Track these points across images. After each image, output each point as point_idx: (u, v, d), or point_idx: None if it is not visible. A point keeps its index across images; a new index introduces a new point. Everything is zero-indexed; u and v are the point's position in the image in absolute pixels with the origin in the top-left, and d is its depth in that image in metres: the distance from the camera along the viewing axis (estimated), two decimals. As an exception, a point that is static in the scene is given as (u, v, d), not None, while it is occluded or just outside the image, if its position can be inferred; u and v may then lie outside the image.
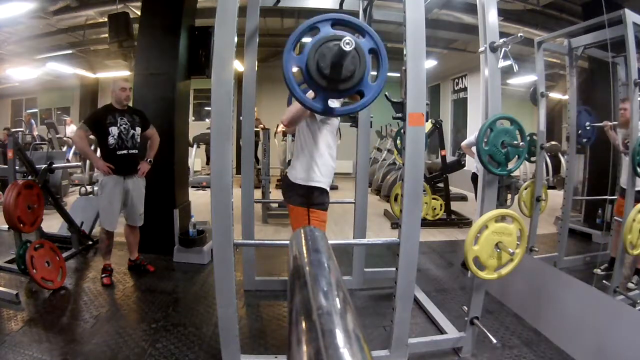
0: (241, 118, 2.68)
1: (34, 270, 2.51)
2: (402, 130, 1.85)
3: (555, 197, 3.84)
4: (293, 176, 1.98)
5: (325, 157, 1.96)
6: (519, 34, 1.71)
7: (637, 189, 2.39)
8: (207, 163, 7.40)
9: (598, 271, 2.53)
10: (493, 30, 1.83)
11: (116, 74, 7.75)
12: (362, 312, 2.51)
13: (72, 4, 5.51)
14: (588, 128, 3.01)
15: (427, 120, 2.33)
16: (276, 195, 5.72)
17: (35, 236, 2.90)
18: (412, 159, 1.70)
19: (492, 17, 1.83)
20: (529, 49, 3.19)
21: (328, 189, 2.00)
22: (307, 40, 1.39)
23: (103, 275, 2.86)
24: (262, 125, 5.77)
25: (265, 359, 1.96)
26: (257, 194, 4.34)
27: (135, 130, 2.82)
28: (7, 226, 2.66)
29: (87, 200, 3.97)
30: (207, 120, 9.44)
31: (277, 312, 2.51)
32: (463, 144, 3.67)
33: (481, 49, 1.86)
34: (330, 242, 0.62)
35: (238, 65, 3.66)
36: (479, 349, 2.07)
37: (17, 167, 2.95)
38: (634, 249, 2.14)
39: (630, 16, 2.29)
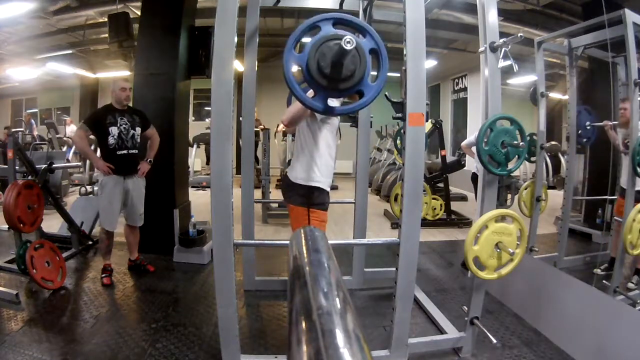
0: (241, 118, 2.68)
1: (34, 270, 2.51)
2: (402, 130, 1.85)
3: (555, 197, 3.84)
4: (293, 176, 1.98)
5: (325, 157, 1.96)
6: (519, 34, 1.71)
7: (637, 189, 2.39)
8: (207, 163, 7.40)
9: (598, 271, 2.53)
10: (493, 30, 1.83)
11: (116, 74, 7.75)
12: (362, 312, 2.51)
13: (72, 4, 5.51)
14: (588, 128, 3.01)
15: (427, 120, 2.33)
16: (276, 195, 5.72)
17: (35, 236, 2.90)
18: (412, 159, 1.70)
19: (492, 17, 1.83)
20: (529, 49, 3.19)
21: (328, 189, 2.00)
22: (307, 40, 1.39)
23: (103, 275, 2.86)
24: (262, 126, 5.77)
25: (265, 359, 1.97)
26: (257, 194, 4.34)
27: (135, 130, 2.82)
28: (7, 226, 2.66)
29: (87, 200, 3.97)
30: (207, 120, 9.44)
31: (277, 312, 2.51)
32: (463, 144, 3.67)
33: (481, 49, 1.86)
34: (330, 242, 0.62)
35: (238, 65, 3.66)
36: (479, 349, 2.07)
37: (17, 167, 2.95)
38: (634, 249, 2.14)
39: (630, 16, 2.29)
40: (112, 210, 2.77)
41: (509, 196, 4.42)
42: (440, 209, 4.62)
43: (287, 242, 0.67)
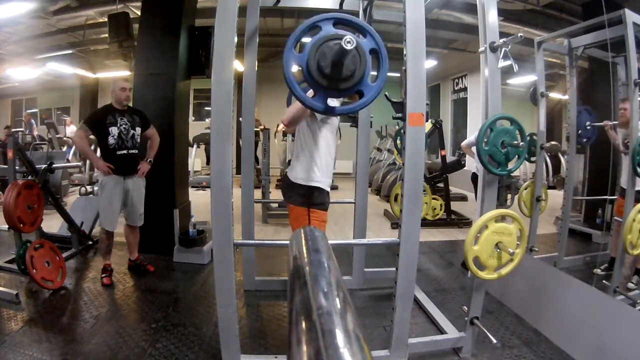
0: (240, 119, 2.68)
1: (34, 270, 2.51)
2: (402, 130, 1.85)
3: (555, 197, 3.84)
4: (293, 176, 1.97)
5: (325, 157, 1.96)
6: (519, 34, 1.71)
7: (637, 189, 2.39)
8: (207, 163, 7.40)
9: (598, 271, 2.53)
10: (493, 30, 1.83)
11: (116, 74, 7.75)
12: (362, 312, 2.51)
13: (72, 4, 5.51)
14: (588, 128, 3.01)
15: (427, 120, 2.33)
16: (276, 195, 5.72)
17: (35, 236, 2.90)
18: (412, 159, 1.70)
19: (492, 17, 1.83)
20: (529, 49, 3.19)
21: (328, 189, 2.00)
22: (307, 40, 1.39)
23: (103, 275, 2.86)
24: (261, 127, 5.77)
25: (265, 359, 1.97)
26: (257, 194, 4.34)
27: (135, 130, 2.82)
28: (7, 226, 2.66)
29: (87, 200, 3.97)
30: (207, 120, 9.44)
31: (277, 312, 2.51)
32: (463, 144, 3.67)
33: (481, 49, 1.86)
34: (330, 242, 0.62)
35: (238, 65, 3.66)
36: (479, 349, 2.07)
37: (17, 167, 2.95)
38: (634, 249, 2.14)
39: (630, 16, 2.28)
40: (112, 210, 2.77)
41: (509, 196, 4.42)
42: (440, 209, 4.62)
43: (287, 242, 0.67)
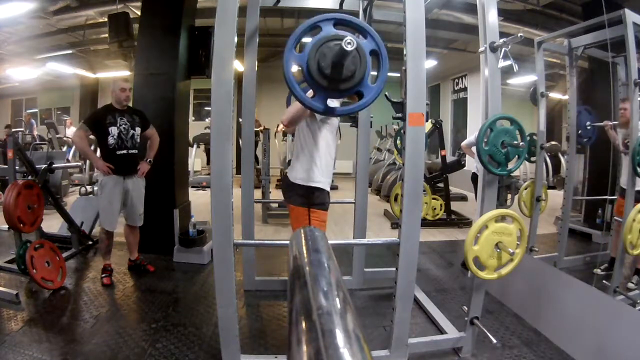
0: (240, 120, 2.67)
1: (34, 270, 2.51)
2: (402, 130, 1.85)
3: (555, 197, 3.84)
4: (293, 176, 1.98)
5: (325, 157, 1.96)
6: (519, 34, 1.71)
7: (637, 189, 2.39)
8: (208, 163, 7.40)
9: (598, 271, 2.53)
10: (493, 30, 1.83)
11: (116, 74, 7.75)
12: (362, 312, 2.51)
13: (72, 4, 5.51)
14: (588, 128, 3.01)
15: (427, 120, 2.33)
16: (276, 195, 5.72)
17: (35, 236, 2.90)
18: (412, 159, 1.70)
19: (492, 17, 1.83)
20: (529, 49, 3.19)
21: (328, 188, 2.00)
22: (307, 40, 1.39)
23: (103, 275, 2.86)
24: (261, 128, 5.77)
25: (265, 359, 1.97)
26: (257, 194, 4.34)
27: (135, 130, 2.82)
28: (7, 226, 2.66)
29: (87, 200, 3.97)
30: (207, 120, 9.44)
31: (277, 312, 2.51)
32: (463, 144, 3.67)
33: (481, 49, 1.86)
34: (330, 242, 0.62)
35: (238, 65, 3.66)
36: (479, 349, 2.07)
37: (17, 167, 2.95)
38: (634, 249, 2.14)
39: (630, 16, 2.28)
40: (111, 210, 2.77)
41: (509, 196, 4.42)
42: (440, 209, 4.62)
43: (287, 242, 0.67)
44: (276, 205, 4.99)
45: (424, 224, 3.61)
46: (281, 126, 3.00)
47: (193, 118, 8.84)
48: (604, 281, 2.42)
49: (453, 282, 3.12)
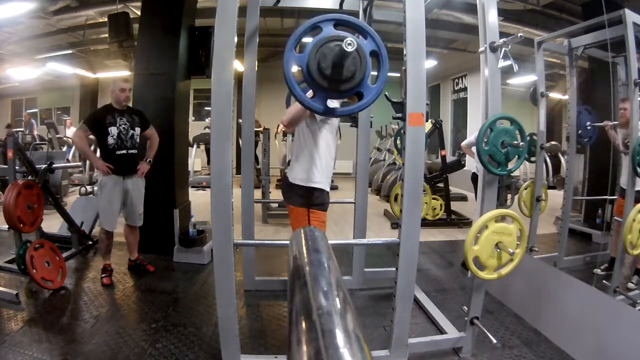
0: (240, 121, 2.67)
1: (34, 270, 2.51)
2: (402, 130, 1.85)
3: (555, 197, 3.84)
4: (292, 177, 1.97)
5: (325, 158, 1.96)
6: (519, 34, 1.71)
7: (637, 189, 2.39)
8: (208, 163, 7.40)
9: (598, 271, 2.53)
10: (493, 30, 1.83)
11: (116, 74, 7.75)
12: (362, 312, 2.51)
13: (72, 4, 5.51)
14: (588, 128, 3.01)
15: (427, 120, 2.33)
16: (276, 195, 5.72)
17: (35, 236, 2.90)
18: (412, 159, 1.70)
19: (492, 17, 1.83)
20: (529, 49, 3.19)
21: (328, 189, 2.00)
22: (307, 40, 1.39)
23: (103, 275, 2.86)
24: (261, 129, 5.76)
25: (265, 359, 1.97)
26: (257, 194, 4.34)
27: (134, 130, 2.82)
28: (7, 226, 2.66)
29: (87, 200, 3.97)
30: (207, 120, 9.44)
31: (277, 312, 2.51)
32: (463, 144, 3.67)
33: (481, 49, 1.86)
34: (330, 242, 0.62)
35: (238, 65, 3.66)
36: (479, 349, 2.07)
37: (17, 167, 2.95)
38: (634, 249, 2.14)
39: (630, 16, 2.28)
40: (111, 210, 2.77)
41: (509, 196, 4.42)
42: (440, 209, 4.62)
43: (287, 242, 0.67)
44: (276, 205, 4.99)
45: (424, 224, 3.61)
46: (281, 126, 3.00)
47: (193, 118, 8.84)
48: (604, 281, 2.42)
49: (453, 282, 3.12)
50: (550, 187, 4.23)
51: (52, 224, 3.65)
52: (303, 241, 0.58)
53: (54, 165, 3.09)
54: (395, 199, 3.26)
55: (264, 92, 8.02)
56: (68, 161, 6.23)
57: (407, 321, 1.83)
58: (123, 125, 2.75)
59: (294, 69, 1.35)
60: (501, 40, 1.78)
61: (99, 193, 2.80)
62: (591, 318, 2.00)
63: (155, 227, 3.29)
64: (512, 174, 2.84)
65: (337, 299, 0.40)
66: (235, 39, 1.62)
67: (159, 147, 3.03)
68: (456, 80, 8.35)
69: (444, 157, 4.86)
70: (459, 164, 4.94)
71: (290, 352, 0.34)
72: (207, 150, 7.01)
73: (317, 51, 1.31)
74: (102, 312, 2.43)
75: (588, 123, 3.00)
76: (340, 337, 0.33)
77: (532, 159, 3.24)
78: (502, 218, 1.87)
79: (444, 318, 2.33)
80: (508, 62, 1.79)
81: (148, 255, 3.24)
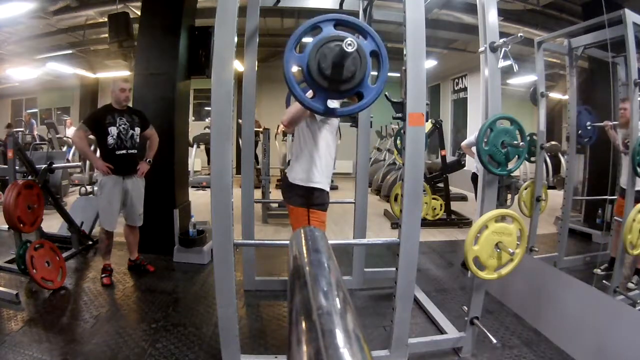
0: (240, 121, 2.67)
1: (34, 270, 2.51)
2: (402, 130, 1.85)
3: (555, 197, 3.84)
4: (292, 177, 1.97)
5: (325, 158, 1.96)
6: (519, 34, 1.71)
7: (637, 189, 2.39)
8: (208, 163, 7.40)
9: (598, 271, 2.53)
10: (493, 30, 1.83)
11: (116, 74, 7.75)
12: (362, 312, 2.51)
13: (72, 4, 5.51)
14: (588, 128, 3.01)
15: (427, 120, 2.33)
16: (276, 195, 5.72)
17: (35, 236, 2.90)
18: (412, 159, 1.70)
19: (492, 17, 1.83)
20: (529, 49, 3.19)
21: (328, 189, 2.00)
22: (307, 40, 1.39)
23: (103, 275, 2.86)
24: (261, 129, 5.76)
25: (265, 359, 1.97)
26: (257, 194, 4.34)
27: (134, 130, 2.82)
28: (7, 226, 2.66)
29: (87, 200, 3.97)
30: (207, 120, 9.44)
31: (277, 312, 2.51)
32: (463, 144, 3.67)
33: (481, 49, 1.86)
34: (330, 242, 0.62)
35: (238, 65, 3.65)
36: (479, 349, 2.07)
37: (17, 167, 2.95)
38: (634, 249, 2.14)
39: (630, 16, 2.28)
40: (111, 210, 2.77)
41: (509, 196, 4.42)
42: (440, 209, 4.62)
43: (287, 242, 0.67)
44: (276, 205, 4.99)
45: (424, 224, 3.61)
46: (281, 127, 3.00)
47: (193, 118, 8.84)
48: (604, 281, 2.42)
49: (453, 282, 3.12)
50: (550, 187, 4.23)
51: (52, 224, 3.65)
52: (303, 241, 0.58)
53: (54, 165, 3.09)
54: (395, 199, 3.26)
55: (264, 92, 8.02)
56: (68, 161, 6.23)
57: (407, 321, 1.83)
58: (123, 125, 2.75)
59: (294, 69, 1.35)
60: (501, 40, 1.78)
61: (98, 193, 2.80)
62: (591, 318, 2.00)
63: (155, 227, 3.29)
64: (512, 174, 2.84)
65: (337, 299, 0.40)
66: (235, 39, 1.62)
67: (159, 147, 3.03)
68: (456, 80, 8.35)
69: (444, 157, 4.86)
70: (459, 164, 4.94)
71: (290, 352, 0.34)
72: (207, 150, 7.00)
73: (317, 51, 1.31)
74: (102, 312, 2.43)
75: (588, 123, 3.00)
76: (340, 337, 0.33)
77: (532, 159, 3.24)
78: (502, 218, 1.87)
79: (444, 318, 2.33)
80: (508, 62, 1.79)
81: (148, 255, 3.24)
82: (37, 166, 3.00)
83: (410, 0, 1.64)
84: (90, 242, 3.64)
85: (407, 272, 1.77)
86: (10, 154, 2.87)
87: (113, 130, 2.71)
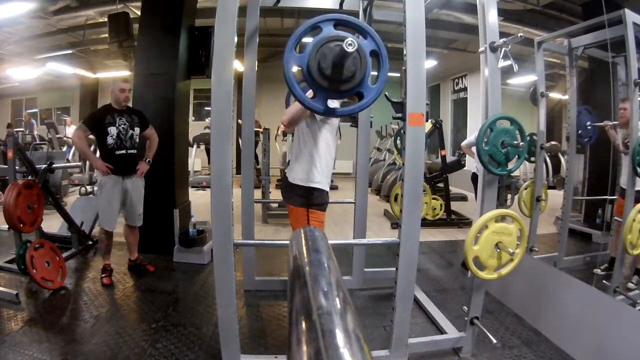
0: (240, 121, 2.67)
1: (34, 270, 2.51)
2: (402, 130, 1.85)
3: (555, 197, 3.84)
4: (292, 177, 1.97)
5: (325, 158, 1.96)
6: (519, 34, 1.71)
7: (637, 189, 2.39)
8: (208, 163, 7.40)
9: (598, 271, 2.53)
10: (493, 30, 1.83)
11: (116, 74, 7.75)
12: (362, 312, 2.51)
13: (72, 4, 5.51)
14: (588, 128, 3.01)
15: (427, 120, 2.33)
16: (276, 195, 5.72)
17: (35, 236, 2.90)
18: (412, 159, 1.70)
19: (492, 17, 1.83)
20: (529, 49, 3.19)
21: (328, 189, 2.00)
22: (307, 40, 1.39)
23: (103, 275, 2.86)
24: (261, 129, 5.76)
25: (265, 359, 1.97)
26: (257, 194, 4.34)
27: (134, 130, 2.82)
28: (7, 226, 2.66)
29: (87, 200, 3.97)
30: (207, 120, 9.44)
31: (277, 312, 2.51)
32: (463, 144, 3.67)
33: (481, 49, 1.86)
34: (330, 242, 0.62)
35: (238, 65, 3.66)
36: (479, 349, 2.07)
37: (17, 167, 2.95)
38: (634, 249, 2.14)
39: (630, 16, 2.28)
40: (111, 210, 2.77)
41: (509, 196, 4.42)
42: (440, 209, 4.62)
43: (287, 242, 0.67)
44: (276, 205, 4.99)
45: (424, 224, 3.61)
46: (281, 126, 3.00)
47: (193, 118, 8.84)
48: (604, 281, 2.42)
49: (453, 282, 3.12)
50: (550, 187, 4.23)
51: (52, 224, 3.65)
52: (303, 241, 0.58)
53: (54, 165, 3.09)
54: (395, 199, 3.26)
55: (264, 92, 8.02)
56: (68, 161, 6.24)
57: (407, 321, 1.83)
58: (122, 125, 2.75)
59: (294, 69, 1.35)
60: (501, 40, 1.78)
61: (98, 193, 2.79)
62: (591, 318, 2.00)
63: (155, 227, 3.29)
64: (512, 174, 2.84)
65: (337, 299, 0.40)
66: (235, 39, 1.62)
67: (159, 147, 3.03)
68: (456, 80, 8.35)
69: (444, 157, 4.86)
70: (459, 164, 4.94)
71: (290, 352, 0.34)
72: (207, 150, 7.01)
73: (317, 51, 1.31)
74: (102, 312, 2.43)
75: (588, 123, 3.00)
76: (340, 337, 0.33)
77: (532, 159, 3.24)
78: (502, 218, 1.87)
79: (444, 318, 2.33)
80: (508, 62, 1.79)
81: (148, 255, 3.24)
82: (37, 166, 3.00)
83: (410, 0, 1.64)
84: (90, 242, 3.64)
85: (407, 272, 1.77)
86: (10, 154, 2.87)
87: (113, 130, 2.71)
